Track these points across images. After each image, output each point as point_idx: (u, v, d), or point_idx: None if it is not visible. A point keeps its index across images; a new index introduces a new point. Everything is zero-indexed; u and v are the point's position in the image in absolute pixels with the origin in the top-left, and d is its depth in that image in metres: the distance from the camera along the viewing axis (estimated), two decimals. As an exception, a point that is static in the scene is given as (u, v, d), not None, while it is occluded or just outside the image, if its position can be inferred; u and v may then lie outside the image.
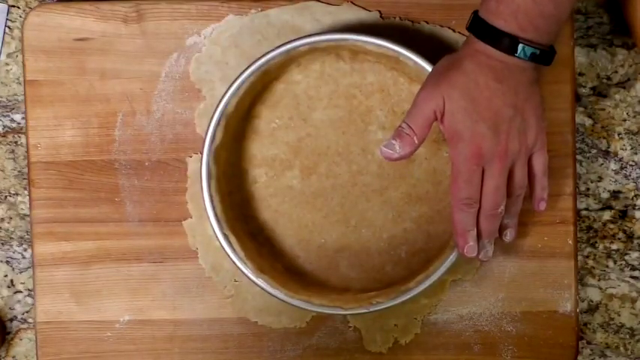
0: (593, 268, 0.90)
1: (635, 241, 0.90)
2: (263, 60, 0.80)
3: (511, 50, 0.73)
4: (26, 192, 0.88)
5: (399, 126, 0.76)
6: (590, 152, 0.89)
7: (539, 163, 0.78)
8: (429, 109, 0.75)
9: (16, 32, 0.89)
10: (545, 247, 0.86)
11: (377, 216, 0.85)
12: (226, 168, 0.83)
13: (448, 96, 0.74)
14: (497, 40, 0.73)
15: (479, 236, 0.78)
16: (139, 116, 0.86)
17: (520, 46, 0.72)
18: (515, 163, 0.76)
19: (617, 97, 0.89)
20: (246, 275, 0.81)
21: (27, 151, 0.86)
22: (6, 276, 0.90)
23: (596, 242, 0.90)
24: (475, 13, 0.75)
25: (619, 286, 0.90)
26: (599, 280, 0.90)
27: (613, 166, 0.89)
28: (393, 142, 0.76)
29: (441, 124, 0.75)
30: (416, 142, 0.76)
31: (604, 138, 0.89)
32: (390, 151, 0.76)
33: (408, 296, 0.81)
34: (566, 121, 0.85)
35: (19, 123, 0.89)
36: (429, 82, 0.76)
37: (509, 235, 0.80)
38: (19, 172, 0.89)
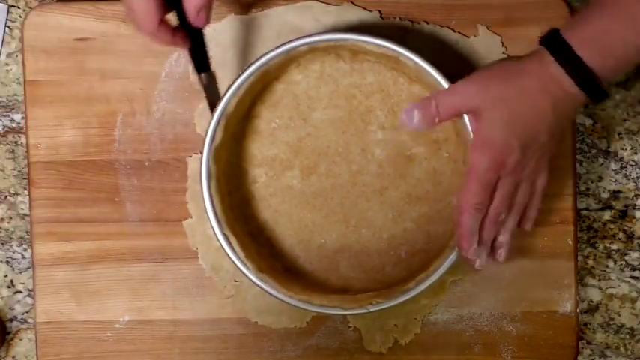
0: (593, 268, 0.90)
1: (635, 241, 0.90)
2: (263, 60, 0.80)
3: (587, 86, 0.71)
4: (26, 192, 0.88)
5: (428, 99, 0.76)
6: (590, 152, 0.89)
7: (542, 183, 0.79)
8: (465, 105, 0.75)
9: (16, 32, 0.89)
10: (545, 247, 0.86)
11: (377, 216, 0.85)
12: (226, 168, 0.83)
13: (493, 104, 0.74)
14: (577, 71, 0.71)
15: (477, 242, 0.78)
16: (139, 116, 0.86)
17: (596, 83, 0.71)
18: (523, 181, 0.77)
19: (617, 97, 0.89)
20: (246, 275, 0.81)
21: (27, 151, 0.86)
22: (6, 276, 0.90)
23: (596, 242, 0.90)
24: (556, 31, 0.73)
25: (619, 286, 0.90)
26: (599, 280, 0.90)
27: (613, 166, 0.89)
28: (415, 111, 0.76)
29: (473, 124, 0.75)
30: (435, 122, 0.76)
31: (604, 138, 0.89)
32: (407, 120, 0.77)
33: (408, 296, 0.81)
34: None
35: (19, 123, 0.89)
36: (479, 78, 0.75)
37: (503, 254, 0.80)
38: (19, 172, 0.89)
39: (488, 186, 0.75)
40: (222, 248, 0.81)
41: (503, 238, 0.79)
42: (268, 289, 0.81)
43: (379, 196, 0.85)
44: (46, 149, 0.86)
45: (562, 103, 0.73)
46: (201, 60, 0.79)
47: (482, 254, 0.79)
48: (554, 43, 0.72)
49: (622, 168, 0.89)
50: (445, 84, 0.79)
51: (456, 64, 0.84)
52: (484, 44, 0.85)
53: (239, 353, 0.87)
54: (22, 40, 0.85)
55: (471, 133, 0.76)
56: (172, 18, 0.75)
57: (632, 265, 0.90)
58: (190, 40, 0.77)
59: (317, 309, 0.81)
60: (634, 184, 0.89)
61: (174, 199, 0.86)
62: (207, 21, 0.76)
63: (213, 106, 0.81)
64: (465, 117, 0.78)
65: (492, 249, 0.80)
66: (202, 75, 0.80)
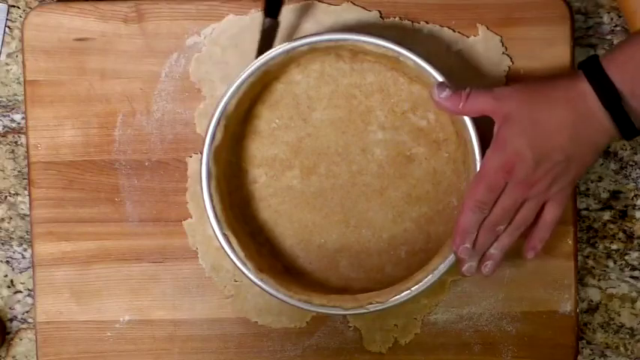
0: (593, 268, 0.90)
1: (635, 241, 0.90)
2: (263, 60, 0.80)
3: (613, 109, 0.73)
4: (26, 192, 0.88)
5: (466, 88, 0.77)
6: (590, 152, 0.89)
7: (553, 214, 0.78)
8: (492, 106, 0.75)
9: (16, 32, 0.89)
10: (545, 247, 0.85)
11: (377, 216, 0.85)
12: (226, 168, 0.83)
13: (517, 108, 0.74)
14: (603, 89, 0.73)
15: (472, 244, 0.78)
16: (139, 116, 0.86)
17: (622, 107, 0.73)
18: (529, 200, 0.76)
19: (617, 97, 0.89)
20: (246, 275, 0.81)
21: (27, 151, 0.86)
22: (6, 276, 0.90)
23: (596, 242, 0.90)
24: (594, 55, 0.75)
25: (619, 286, 0.90)
26: (599, 280, 0.90)
27: (613, 166, 0.89)
28: (446, 90, 0.77)
29: (497, 122, 0.76)
30: (459, 108, 0.77)
31: (604, 138, 0.89)
32: (436, 91, 0.78)
33: (408, 296, 0.81)
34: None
35: (19, 123, 0.89)
36: (513, 87, 0.77)
37: (489, 267, 0.80)
38: (19, 172, 0.89)
39: (493, 188, 0.75)
40: (222, 248, 0.81)
41: (495, 252, 0.79)
42: (268, 289, 0.81)
43: (379, 196, 0.85)
44: (46, 149, 0.86)
45: (585, 122, 0.74)
46: (274, 6, 0.80)
47: (473, 258, 0.79)
48: (588, 65, 0.74)
49: (622, 168, 0.89)
50: (445, 84, 0.79)
51: (456, 64, 0.84)
52: (484, 44, 0.85)
53: (239, 353, 0.87)
54: (22, 40, 0.85)
55: (495, 132, 0.76)
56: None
57: (632, 265, 0.90)
58: None
59: (317, 309, 0.81)
60: (634, 184, 0.89)
61: (174, 199, 0.86)
62: None
63: (260, 54, 0.80)
64: (466, 117, 0.78)
65: (481, 259, 0.79)
66: (267, 20, 0.80)
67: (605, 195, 0.89)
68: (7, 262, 0.90)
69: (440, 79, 0.79)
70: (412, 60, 0.80)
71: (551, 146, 0.74)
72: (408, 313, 0.86)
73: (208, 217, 0.81)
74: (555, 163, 0.75)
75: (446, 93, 0.77)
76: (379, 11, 0.85)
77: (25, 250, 0.89)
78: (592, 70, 0.74)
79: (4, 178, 0.89)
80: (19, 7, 0.89)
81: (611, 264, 0.90)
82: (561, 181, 0.76)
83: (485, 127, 0.78)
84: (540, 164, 0.74)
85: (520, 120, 0.74)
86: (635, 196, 0.89)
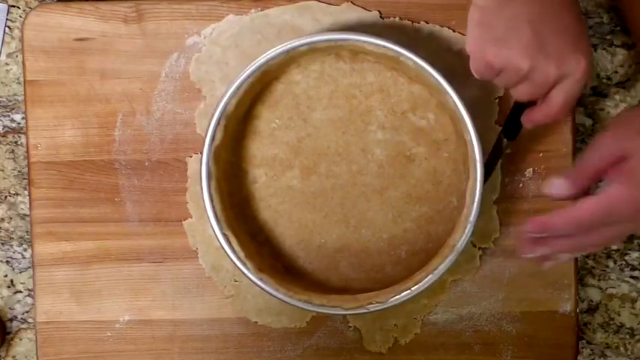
0: (593, 268, 0.90)
1: (635, 241, 0.90)
2: (263, 60, 0.80)
3: None
4: (26, 192, 0.88)
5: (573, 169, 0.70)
6: (590, 152, 0.89)
7: None
8: (616, 149, 0.68)
9: (16, 32, 0.89)
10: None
11: (377, 216, 0.85)
12: (226, 168, 0.83)
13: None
14: None
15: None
16: (139, 116, 0.86)
17: None
18: None
19: (617, 97, 0.89)
20: (246, 275, 0.81)
21: (27, 151, 0.86)
22: (6, 276, 0.90)
23: (596, 242, 0.90)
24: None
25: (619, 286, 0.90)
26: (599, 280, 0.90)
27: (613, 166, 0.89)
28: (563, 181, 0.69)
29: (621, 170, 0.68)
30: (584, 184, 0.69)
31: (604, 138, 0.89)
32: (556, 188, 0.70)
33: (408, 296, 0.81)
34: (566, 121, 0.85)
35: (19, 123, 0.89)
36: (619, 125, 0.70)
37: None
38: (19, 172, 0.89)
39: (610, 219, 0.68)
40: (222, 248, 0.81)
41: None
42: (268, 289, 0.81)
43: (379, 196, 0.85)
44: (46, 149, 0.86)
45: None
46: (513, 128, 0.80)
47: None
48: None
49: (622, 168, 0.89)
50: (445, 84, 0.79)
51: (456, 64, 0.84)
52: (484, 44, 0.84)
53: (239, 353, 0.87)
54: (22, 40, 0.85)
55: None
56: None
57: (632, 265, 0.90)
58: (515, 106, 0.78)
59: (317, 309, 0.81)
60: (634, 184, 0.89)
61: (174, 199, 0.86)
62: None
63: (492, 166, 0.81)
64: (466, 116, 0.78)
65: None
66: (505, 141, 0.81)
67: (605, 195, 0.89)
68: (7, 262, 0.90)
69: (440, 79, 0.78)
70: (412, 60, 0.79)
71: None
72: (408, 313, 0.86)
73: (208, 217, 0.81)
74: None
75: (565, 186, 0.69)
76: (379, 11, 0.85)
77: (25, 250, 0.89)
78: None
79: (4, 178, 0.89)
80: (19, 7, 0.89)
81: (611, 264, 0.90)
82: None
83: (485, 128, 0.78)
84: None
85: None
86: (635, 196, 0.89)
